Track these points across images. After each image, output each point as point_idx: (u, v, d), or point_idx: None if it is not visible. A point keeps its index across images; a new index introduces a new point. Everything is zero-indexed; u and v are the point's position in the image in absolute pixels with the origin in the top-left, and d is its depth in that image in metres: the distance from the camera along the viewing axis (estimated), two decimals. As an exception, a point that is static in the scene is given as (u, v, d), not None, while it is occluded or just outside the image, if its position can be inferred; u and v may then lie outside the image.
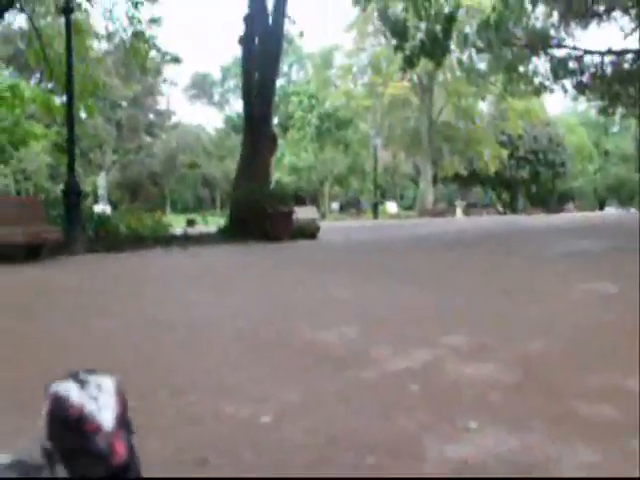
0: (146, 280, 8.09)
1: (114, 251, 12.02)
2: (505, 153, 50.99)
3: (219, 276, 8.27)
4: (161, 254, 11.94)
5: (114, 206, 36.05)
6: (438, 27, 20.23)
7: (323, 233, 16.63)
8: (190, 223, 21.05)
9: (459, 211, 47.35)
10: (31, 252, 10.70)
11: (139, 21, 17.69)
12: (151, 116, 61.42)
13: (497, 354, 3.73)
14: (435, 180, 51.97)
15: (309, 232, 15.68)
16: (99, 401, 0.84)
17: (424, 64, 27.00)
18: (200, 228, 18.80)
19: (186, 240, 14.21)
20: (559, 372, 3.34)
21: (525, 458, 2.22)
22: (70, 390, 0.85)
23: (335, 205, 54.23)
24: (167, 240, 14.08)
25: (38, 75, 40.62)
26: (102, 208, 27.79)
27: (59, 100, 26.53)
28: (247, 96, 17.03)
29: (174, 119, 64.70)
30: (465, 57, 29.84)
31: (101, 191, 44.31)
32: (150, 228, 14.94)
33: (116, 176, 53.96)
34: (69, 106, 13.18)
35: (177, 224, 18.74)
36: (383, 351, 3.80)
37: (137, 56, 18.05)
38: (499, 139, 51.62)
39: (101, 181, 45.98)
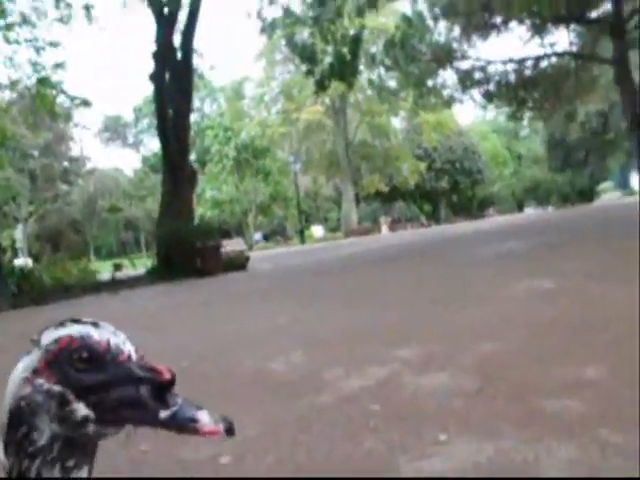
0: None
1: (41, 304, 11.57)
2: (423, 166, 51.88)
3: (153, 317, 8.02)
4: (90, 302, 11.55)
5: (35, 258, 34.86)
6: (345, 49, 20.50)
7: (252, 263, 16.46)
8: (117, 268, 20.55)
9: (384, 228, 47.82)
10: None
11: (43, 67, 17.26)
12: (65, 163, 59.96)
13: (448, 362, 3.68)
14: (357, 199, 52.45)
15: (239, 263, 15.50)
16: (119, 336, 0.82)
17: (335, 86, 27.23)
18: (128, 272, 18.35)
19: (115, 285, 13.82)
20: (516, 372, 3.31)
21: (503, 463, 2.15)
22: (88, 330, 0.81)
23: (258, 236, 53.91)
24: (95, 287, 13.68)
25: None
26: (23, 261, 26.90)
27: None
28: (162, 133, 16.79)
29: (89, 164, 63.35)
30: (375, 76, 30.37)
31: (19, 244, 42.89)
32: (76, 277, 14.50)
33: (34, 227, 52.37)
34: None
35: (103, 270, 18.25)
36: (335, 373, 3.69)
37: (44, 102, 17.54)
38: (416, 153, 52.56)
39: (19, 234, 44.51)
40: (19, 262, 23.68)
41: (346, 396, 3.22)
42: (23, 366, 0.81)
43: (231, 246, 17.45)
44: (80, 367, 0.79)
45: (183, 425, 0.80)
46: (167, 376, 0.81)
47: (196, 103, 57.26)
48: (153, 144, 61.76)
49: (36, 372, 0.79)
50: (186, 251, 14.22)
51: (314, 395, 3.30)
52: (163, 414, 0.80)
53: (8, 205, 47.69)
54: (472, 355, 3.77)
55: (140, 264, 19.63)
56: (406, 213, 58.78)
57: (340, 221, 54.11)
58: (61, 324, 0.83)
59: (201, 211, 45.30)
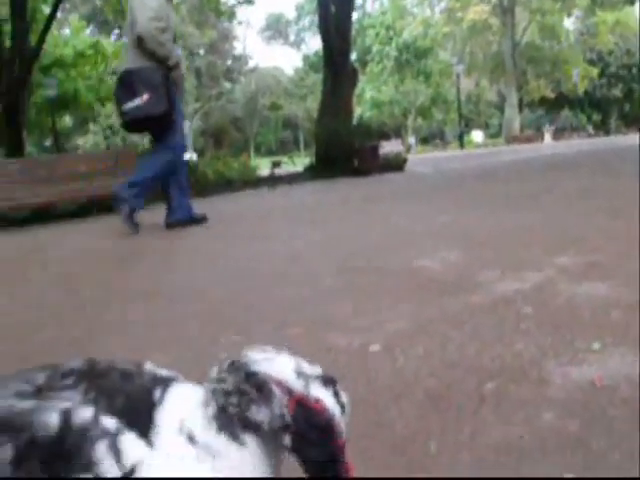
0: (239, 219, 8.14)
1: (204, 196, 12.18)
2: (595, 71, 48.46)
3: (312, 211, 8.22)
4: (251, 195, 12.01)
5: (199, 153, 36.50)
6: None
7: (410, 165, 16.35)
8: (275, 165, 21.07)
9: (548, 136, 45.59)
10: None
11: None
12: (229, 61, 61.45)
13: (609, 273, 3.52)
14: (521, 106, 50.15)
15: (396, 165, 15.44)
16: (344, 421, 0.90)
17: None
18: (286, 169, 18.81)
19: (273, 180, 14.25)
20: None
21: (661, 377, 2.06)
22: (325, 394, 0.90)
23: (411, 140, 53.11)
24: (255, 182, 14.18)
25: (117, 31, 41.14)
26: (189, 156, 28.20)
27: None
28: (325, 31, 16.68)
29: (251, 63, 64.61)
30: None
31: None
32: (237, 172, 15.05)
33: (199, 124, 54.59)
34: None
35: (263, 167, 18.81)
36: (490, 275, 3.65)
37: (210, 0, 17.86)
38: (588, 57, 49.06)
39: (185, 130, 46.65)
40: (186, 156, 24.86)
41: (500, 298, 3.18)
42: None
43: (389, 147, 17.37)
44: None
45: None
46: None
47: (358, 1, 56.23)
48: (314, 43, 61.67)
49: None
50: (344, 150, 14.34)
51: (467, 294, 3.29)
52: None
53: (176, 101, 49.76)
54: (635, 268, 3.58)
55: (299, 162, 20.03)
56: (572, 122, 55.55)
57: (501, 127, 52.17)
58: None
59: (360, 111, 45.17)
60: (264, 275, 4.37)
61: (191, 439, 0.93)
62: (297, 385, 0.94)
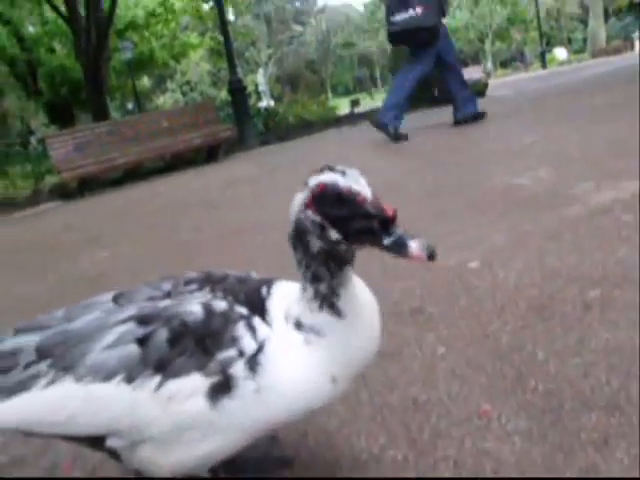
0: (323, 157, 8.09)
1: (285, 140, 12.25)
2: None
3: (397, 143, 8.12)
4: (331, 135, 11.98)
5: (276, 99, 36.53)
6: None
7: (491, 90, 15.89)
8: (354, 104, 20.89)
9: (638, 44, 43.11)
10: (210, 154, 11.15)
11: None
12: (297, 4, 60.71)
13: None
14: (607, 14, 47.51)
15: (477, 90, 15.01)
16: (360, 182, 1.10)
17: None
18: (365, 106, 18.60)
19: (353, 118, 14.16)
20: None
21: None
22: (336, 178, 1.10)
23: (489, 64, 51.14)
24: (335, 122, 14.12)
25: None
26: (266, 103, 28.28)
27: (206, 6, 26.82)
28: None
29: (320, 2, 63.59)
30: None
31: (262, 87, 45.01)
32: (316, 113, 15.01)
33: (274, 71, 54.49)
34: (219, 8, 13.26)
35: (341, 107, 18.67)
36: (585, 187, 3.54)
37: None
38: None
39: (260, 78, 46.63)
40: (263, 104, 24.94)
41: (597, 208, 3.09)
42: (299, 199, 1.13)
43: (468, 74, 16.86)
44: (332, 204, 1.09)
45: (399, 250, 1.08)
46: (390, 213, 1.08)
47: None
48: (382, -26, 59.98)
49: (306, 205, 1.12)
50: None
51: (563, 208, 3.21)
52: (386, 241, 1.08)
53: (249, 51, 49.82)
54: None
55: (378, 98, 19.76)
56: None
57: (586, 41, 49.69)
58: (321, 170, 1.12)
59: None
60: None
61: (298, 325, 1.19)
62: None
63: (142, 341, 1.15)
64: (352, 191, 1.08)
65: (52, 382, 1.16)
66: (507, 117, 8.63)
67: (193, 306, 1.19)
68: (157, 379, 1.13)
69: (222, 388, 1.12)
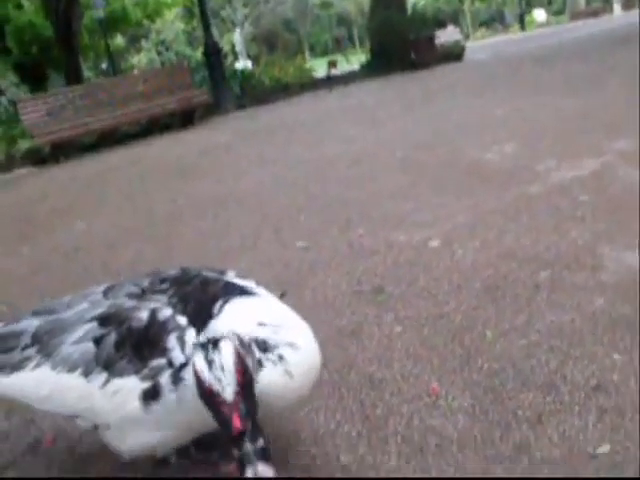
0: (300, 124, 8.16)
1: (262, 103, 12.23)
2: None
3: (370, 111, 8.18)
4: (307, 98, 11.98)
5: (254, 60, 36.16)
6: None
7: (469, 53, 15.90)
8: (332, 64, 20.76)
9: (617, 7, 42.99)
10: (185, 119, 11.12)
11: None
12: (275, -40, 59.64)
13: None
14: (586, -25, 47.28)
15: (454, 54, 15.04)
16: (223, 381, 1.10)
17: None
18: (342, 68, 18.55)
19: (330, 81, 14.14)
20: None
21: None
22: (203, 370, 1.12)
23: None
24: (312, 85, 14.09)
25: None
26: (243, 64, 27.98)
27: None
28: None
29: (299, -41, 62.47)
30: None
31: (238, 47, 44.39)
32: (293, 76, 14.94)
33: (250, 31, 53.75)
34: (194, -35, 13.08)
35: (318, 67, 18.59)
36: (547, 164, 3.67)
37: None
38: None
39: (237, 37, 45.95)
40: (239, 65, 24.71)
41: (556, 187, 3.22)
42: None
43: (446, 37, 16.80)
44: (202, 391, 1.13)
45: (241, 466, 1.08)
46: (237, 428, 1.07)
47: None
48: None
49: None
50: (399, 44, 14.02)
51: (525, 185, 3.34)
52: (235, 452, 1.09)
53: (224, 9, 49.02)
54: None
55: (355, 60, 19.69)
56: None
57: (565, 3, 49.51)
58: (202, 345, 1.17)
59: (413, 0, 43.52)
60: (327, 179, 4.49)
61: None
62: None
63: (97, 341, 1.34)
64: (212, 390, 1.10)
65: (37, 366, 1.38)
66: (481, 87, 8.70)
67: (142, 312, 1.33)
68: (104, 376, 1.31)
69: (151, 394, 1.27)
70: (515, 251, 2.51)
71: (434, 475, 1.39)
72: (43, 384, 1.38)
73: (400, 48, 14.04)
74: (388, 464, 1.45)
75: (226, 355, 1.12)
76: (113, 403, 1.30)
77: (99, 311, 1.38)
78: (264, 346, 1.25)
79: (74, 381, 1.33)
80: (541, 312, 2.00)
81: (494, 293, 2.19)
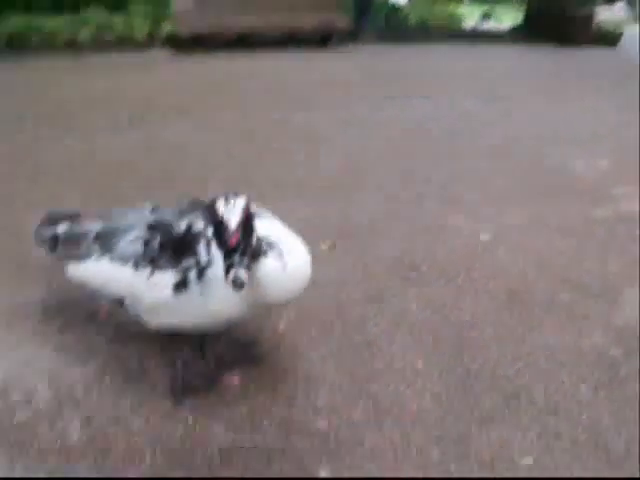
0: (433, 74, 8.02)
1: (402, 42, 12.13)
2: None
3: (501, 83, 7.87)
4: (446, 51, 11.83)
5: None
6: None
7: (630, 41, 15.04)
8: (486, 16, 20.18)
9: None
10: (321, 40, 11.26)
11: None
12: None
13: None
14: None
15: (609, 38, 14.31)
16: (231, 216, 1.49)
17: None
18: (493, 24, 18.05)
19: (474, 36, 13.89)
20: None
21: None
22: (220, 206, 1.51)
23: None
24: (457, 35, 13.87)
25: None
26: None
27: None
28: None
29: None
30: None
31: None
32: (442, 20, 14.71)
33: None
34: None
35: (470, 16, 18.18)
36: (627, 190, 3.70)
37: None
38: None
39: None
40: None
41: (623, 214, 3.30)
42: None
43: (607, 14, 15.87)
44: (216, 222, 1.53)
45: (225, 273, 1.49)
46: (231, 244, 1.47)
47: None
48: None
49: None
50: (557, 14, 13.53)
51: (592, 206, 3.44)
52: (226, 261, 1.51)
53: None
54: None
55: (508, 19, 19.08)
56: None
57: None
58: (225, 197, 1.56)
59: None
60: (431, 148, 4.66)
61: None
62: None
63: (146, 242, 1.77)
64: (222, 220, 1.50)
65: (99, 258, 1.86)
66: (606, 87, 8.31)
67: (181, 223, 1.76)
68: (149, 269, 1.73)
69: (181, 285, 1.67)
70: (549, 268, 2.68)
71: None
72: (102, 272, 1.85)
73: (556, 19, 13.55)
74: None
75: (239, 202, 1.52)
76: (153, 290, 1.72)
77: (148, 220, 1.83)
78: (270, 245, 1.62)
79: (125, 271, 1.77)
80: (542, 329, 2.21)
81: (512, 299, 2.40)
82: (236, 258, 1.47)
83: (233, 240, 1.47)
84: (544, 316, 2.30)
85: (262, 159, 4.19)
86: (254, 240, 1.57)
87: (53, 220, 2.08)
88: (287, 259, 1.62)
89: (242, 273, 1.46)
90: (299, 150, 4.40)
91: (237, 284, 1.45)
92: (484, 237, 2.98)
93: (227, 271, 1.47)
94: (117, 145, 4.45)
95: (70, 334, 2.13)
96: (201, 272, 1.64)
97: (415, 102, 6.25)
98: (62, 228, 2.01)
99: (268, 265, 1.59)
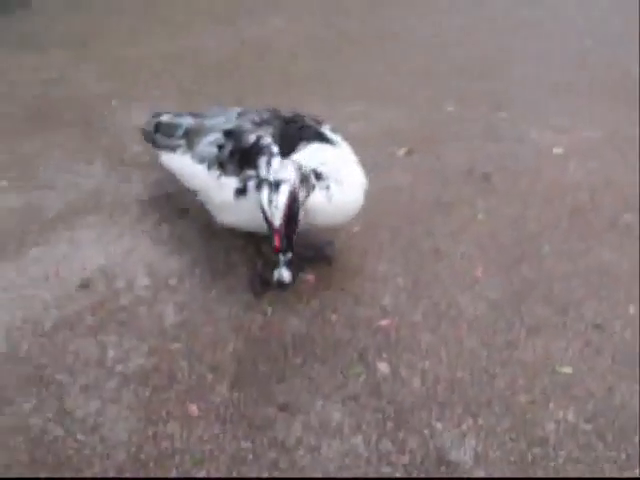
0: None
1: None
2: None
3: None
4: None
5: None
6: None
7: None
8: None
9: None
10: None
11: None
12: None
13: None
14: None
15: None
16: (275, 215, 1.71)
17: None
18: None
19: None
20: None
21: None
22: (265, 205, 1.73)
23: None
24: None
25: None
26: None
27: None
28: None
29: None
30: None
31: None
32: None
33: None
34: None
35: None
36: None
37: None
38: None
39: None
40: None
41: None
42: None
43: None
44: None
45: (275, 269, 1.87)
46: (276, 245, 1.71)
47: None
48: None
49: None
50: None
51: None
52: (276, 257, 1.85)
53: None
54: None
55: None
56: None
57: None
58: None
59: None
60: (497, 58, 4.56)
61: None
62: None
63: (220, 147, 2.00)
64: (268, 218, 1.71)
65: (183, 153, 2.14)
66: None
67: (251, 136, 1.96)
68: (218, 172, 1.97)
69: (241, 191, 1.91)
70: (620, 186, 2.69)
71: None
72: (184, 167, 2.14)
73: None
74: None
75: (281, 197, 1.69)
76: (219, 191, 1.97)
77: (228, 126, 2.04)
78: (319, 177, 1.82)
79: (201, 170, 2.03)
80: (601, 248, 2.30)
81: (580, 211, 2.49)
82: (281, 257, 1.71)
83: (277, 243, 1.69)
84: (605, 235, 2.38)
85: (349, 61, 4.25)
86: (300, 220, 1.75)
87: (157, 115, 2.39)
88: (333, 191, 1.82)
89: (286, 274, 1.72)
90: (389, 52, 4.43)
91: (281, 285, 1.73)
92: (557, 150, 3.02)
93: (273, 269, 1.79)
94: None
95: (165, 228, 2.39)
96: (259, 184, 1.82)
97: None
98: (165, 117, 2.33)
99: (313, 197, 1.80)
